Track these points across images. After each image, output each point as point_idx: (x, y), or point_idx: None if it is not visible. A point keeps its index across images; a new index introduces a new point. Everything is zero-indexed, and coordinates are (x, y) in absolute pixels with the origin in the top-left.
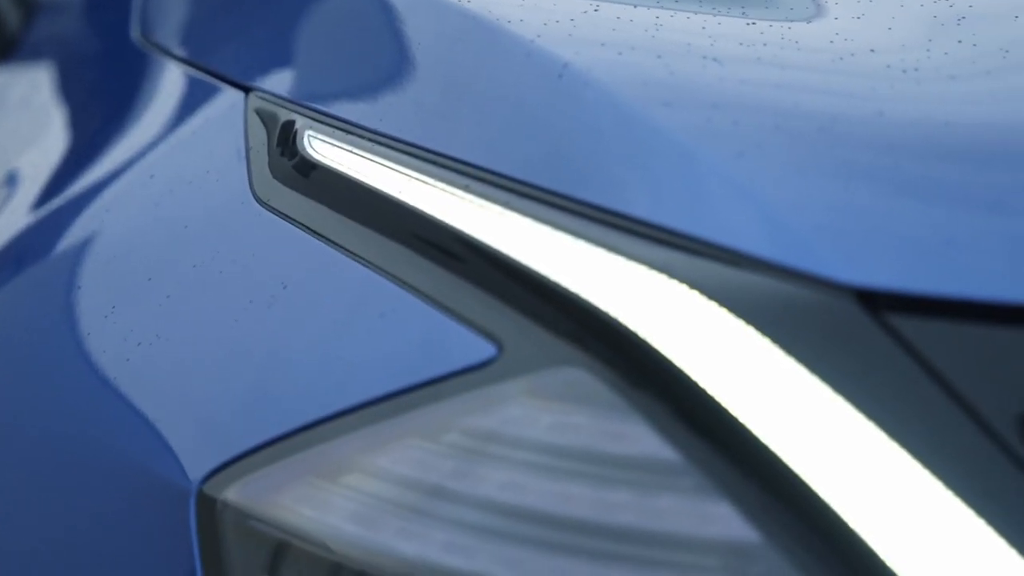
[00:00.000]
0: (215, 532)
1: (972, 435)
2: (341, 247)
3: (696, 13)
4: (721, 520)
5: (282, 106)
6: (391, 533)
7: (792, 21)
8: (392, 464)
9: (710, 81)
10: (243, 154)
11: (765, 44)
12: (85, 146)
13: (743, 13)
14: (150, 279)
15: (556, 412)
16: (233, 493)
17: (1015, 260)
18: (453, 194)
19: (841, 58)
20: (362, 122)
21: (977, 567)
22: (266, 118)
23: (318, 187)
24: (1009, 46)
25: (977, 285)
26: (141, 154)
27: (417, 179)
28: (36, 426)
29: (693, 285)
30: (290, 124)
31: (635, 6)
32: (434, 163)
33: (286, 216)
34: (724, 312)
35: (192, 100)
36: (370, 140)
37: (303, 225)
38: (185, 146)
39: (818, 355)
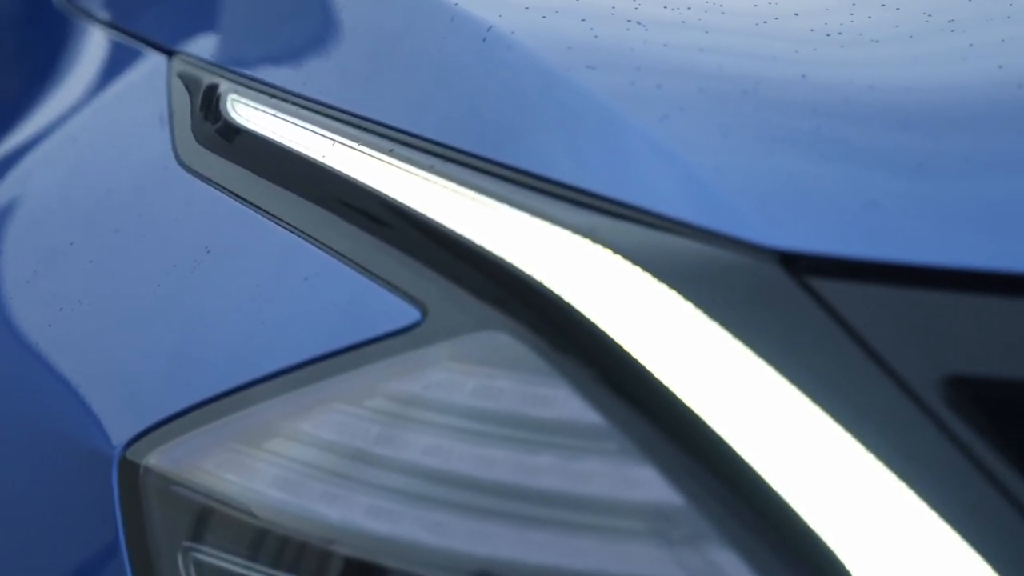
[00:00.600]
0: (138, 498)
1: (894, 398)
2: (265, 211)
3: None
4: (645, 483)
5: (206, 70)
6: (315, 498)
7: None
8: (316, 429)
9: (634, 44)
10: (166, 118)
11: (689, 8)
12: (6, 110)
13: None
14: (72, 244)
15: (480, 376)
16: (156, 459)
17: (937, 223)
18: (377, 158)
19: (765, 21)
20: (286, 86)
21: (897, 527)
22: (189, 82)
23: (242, 151)
24: (931, 10)
25: (900, 248)
26: (63, 118)
27: (341, 143)
28: None
29: (617, 249)
30: (213, 88)
31: None
32: (358, 127)
33: (210, 180)
34: (648, 276)
35: (115, 64)
36: (294, 104)
37: (227, 189)
38: (108, 110)
39: (741, 319)
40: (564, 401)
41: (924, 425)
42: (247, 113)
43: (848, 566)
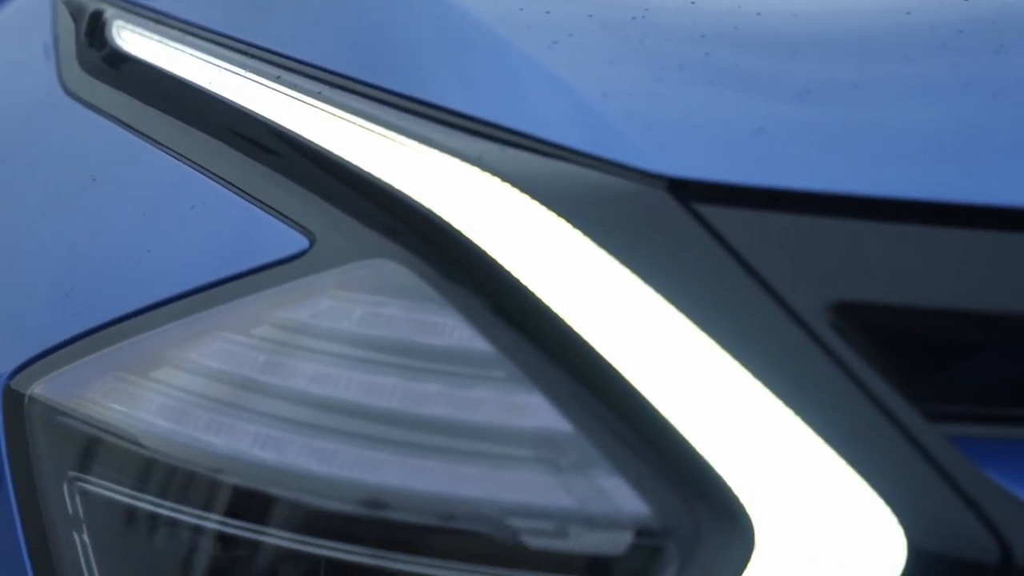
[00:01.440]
0: (22, 428)
1: (781, 324)
2: (151, 139)
3: None
4: (533, 411)
5: None
6: (202, 427)
7: None
8: (203, 358)
9: None
10: (51, 46)
11: None
12: None
13: None
14: None
15: (368, 304)
16: (41, 388)
17: (823, 150)
18: (264, 85)
19: None
20: (172, 12)
21: (783, 452)
22: (74, 8)
23: (128, 78)
24: None
25: (787, 175)
26: None
27: (228, 70)
28: None
29: (505, 176)
30: (99, 14)
31: None
32: (245, 54)
33: (95, 108)
34: (536, 203)
35: None
36: (180, 31)
37: (113, 117)
38: None
39: (629, 245)
40: (453, 329)
41: (810, 350)
42: (133, 40)
43: (735, 490)
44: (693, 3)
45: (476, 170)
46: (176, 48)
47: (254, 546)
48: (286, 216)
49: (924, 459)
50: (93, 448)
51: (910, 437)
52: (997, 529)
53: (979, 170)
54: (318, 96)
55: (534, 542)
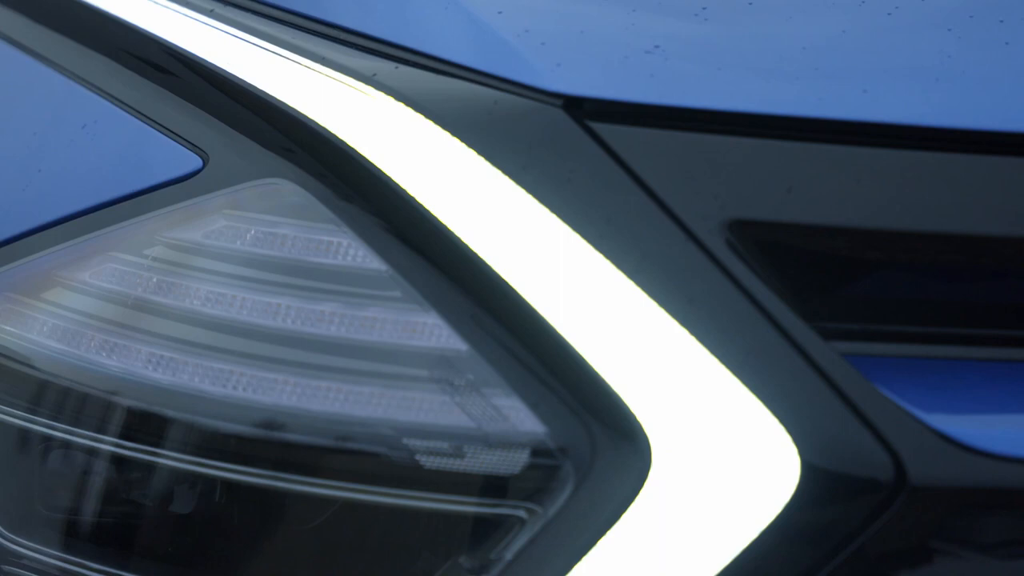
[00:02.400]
0: None
1: (675, 242)
2: (43, 58)
3: None
4: (429, 331)
5: None
6: (95, 348)
7: None
8: (94, 279)
9: None
10: None
11: None
12: None
13: None
14: None
15: (262, 224)
16: None
17: (718, 68)
18: (157, 4)
19: None
20: None
21: (678, 371)
22: None
23: None
24: None
25: (681, 93)
26: None
27: None
28: None
29: (399, 95)
30: None
31: None
32: None
33: None
34: (430, 122)
35: None
36: None
37: (3, 35)
38: None
39: (523, 164)
40: (347, 249)
41: (705, 269)
42: None
43: (632, 409)
44: None
45: (370, 88)
46: None
47: (150, 468)
48: (179, 136)
49: (818, 377)
50: None
51: (804, 355)
52: (891, 445)
53: (873, 87)
54: (211, 14)
55: (430, 462)
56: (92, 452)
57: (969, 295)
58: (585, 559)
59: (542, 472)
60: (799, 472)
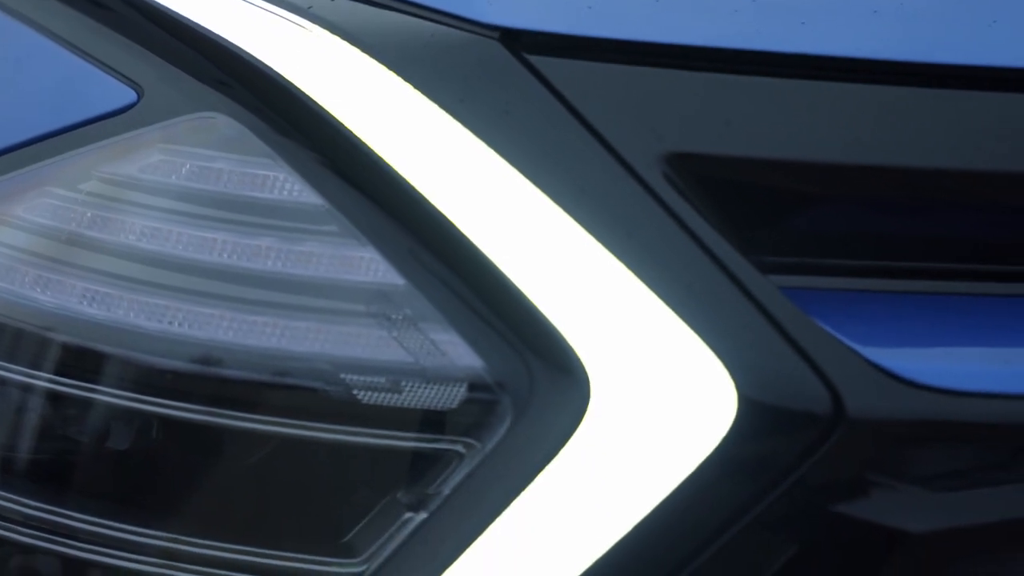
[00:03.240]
0: None
1: (613, 176)
2: None
3: None
4: (366, 265)
5: None
6: (28, 283)
7: None
8: (28, 213)
9: None
10: None
11: None
12: None
13: None
14: None
15: (197, 158)
16: None
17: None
18: None
19: None
20: None
21: (617, 306)
22: None
23: None
24: None
25: (619, 25)
26: None
27: None
28: None
29: (334, 28)
30: None
31: None
32: None
33: None
34: (366, 56)
35: None
36: None
37: None
38: None
39: (461, 98)
40: (284, 183)
41: (643, 202)
42: None
43: (571, 344)
44: None
45: (306, 21)
46: None
47: (85, 404)
48: (114, 69)
49: (756, 310)
50: None
51: (742, 288)
52: (828, 378)
53: (812, 19)
54: None
55: (368, 397)
56: (26, 388)
57: (907, 229)
58: (524, 494)
59: (480, 407)
60: (736, 406)
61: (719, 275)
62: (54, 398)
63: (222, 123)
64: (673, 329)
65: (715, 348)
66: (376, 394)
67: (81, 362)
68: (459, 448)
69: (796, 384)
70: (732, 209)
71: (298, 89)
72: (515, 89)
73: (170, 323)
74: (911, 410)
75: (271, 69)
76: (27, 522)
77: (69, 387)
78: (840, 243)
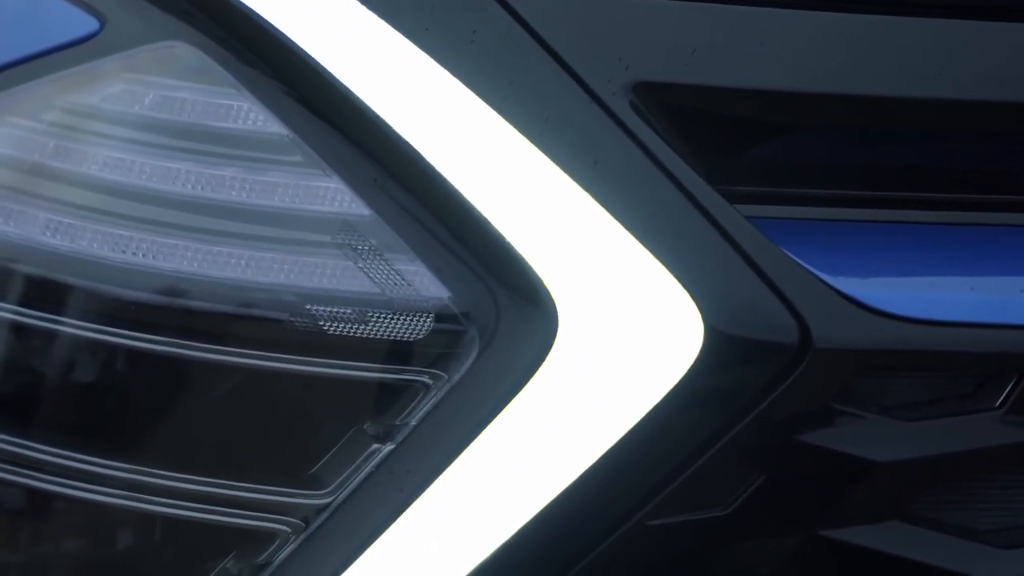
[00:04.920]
0: None
1: (579, 105)
2: None
3: None
4: (331, 196)
5: None
6: None
7: None
8: None
9: None
10: None
11: None
12: None
13: None
14: None
15: (160, 88)
16: None
17: None
18: None
19: None
20: None
21: (584, 236)
22: None
23: None
24: None
25: None
26: None
27: None
28: None
29: None
30: None
31: None
32: None
33: None
34: None
35: None
36: None
37: None
38: None
39: (424, 25)
40: (248, 113)
41: (609, 132)
42: None
43: (538, 274)
44: None
45: None
46: None
47: (51, 336)
48: None
49: (722, 240)
50: None
51: (709, 218)
52: (795, 308)
53: None
54: None
55: (333, 328)
56: None
57: (875, 158)
58: (491, 424)
59: (446, 338)
60: (703, 336)
61: (686, 205)
62: (18, 330)
63: (185, 52)
64: (639, 259)
65: (681, 278)
66: (342, 325)
67: (45, 293)
68: (426, 379)
69: (763, 314)
70: (699, 139)
71: (261, 18)
72: (480, 16)
73: (134, 254)
74: (878, 339)
75: None
76: None
77: (33, 318)
78: (808, 173)
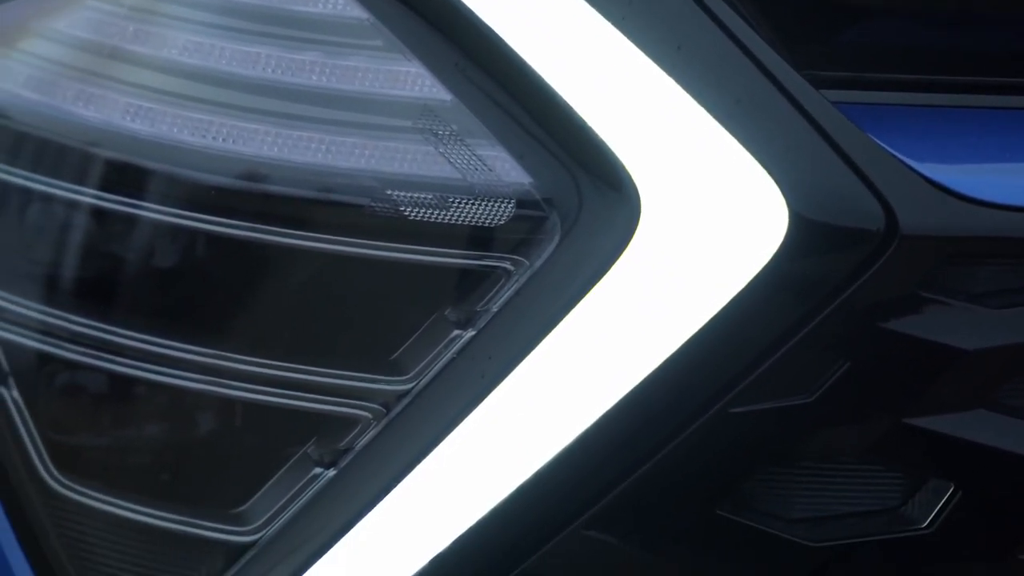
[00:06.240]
0: None
1: None
2: None
3: None
4: (412, 80)
5: None
6: (71, 98)
7: None
8: (71, 27)
9: None
10: None
11: None
12: None
13: None
14: None
15: None
16: None
17: None
18: None
19: None
20: None
21: (667, 121)
22: None
23: None
24: None
25: None
26: None
27: None
28: None
29: None
30: None
31: None
32: None
33: None
34: None
35: None
36: None
37: None
38: None
39: None
40: None
41: (693, 15)
42: None
43: (620, 159)
44: None
45: None
46: None
47: (132, 221)
48: None
49: (808, 125)
50: None
51: (795, 103)
52: (882, 194)
53: None
54: None
55: (414, 214)
56: (71, 205)
57: (962, 41)
58: (573, 311)
59: (528, 224)
60: (787, 222)
61: (771, 89)
62: (99, 215)
63: None
64: (724, 145)
65: (766, 164)
66: (423, 210)
67: (126, 178)
68: (507, 265)
69: (849, 200)
70: (785, 22)
71: None
72: None
73: (214, 138)
74: (966, 226)
75: None
76: (74, 339)
77: (114, 203)
78: (895, 57)
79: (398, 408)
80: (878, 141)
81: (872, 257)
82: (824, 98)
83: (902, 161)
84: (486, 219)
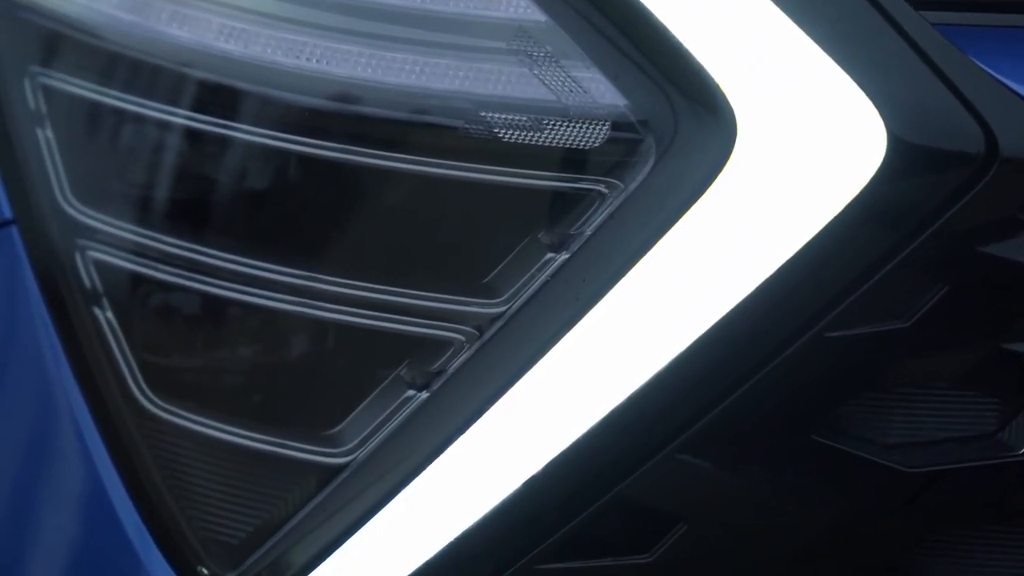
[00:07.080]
0: None
1: None
2: None
3: None
4: (507, 1)
5: None
6: (165, 19)
7: None
8: None
9: None
10: None
11: None
12: None
13: None
14: None
15: None
16: None
17: None
18: None
19: None
20: None
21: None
22: None
23: None
24: None
25: None
26: None
27: None
28: None
29: None
30: None
31: None
32: None
33: None
34: None
35: None
36: None
37: None
38: None
39: None
40: None
41: None
42: None
43: (716, 81)
44: None
45: None
46: None
47: (223, 142)
48: None
49: (907, 47)
50: (54, 43)
51: (894, 24)
52: (982, 117)
53: None
54: None
55: (508, 135)
56: (164, 126)
57: None
58: (667, 235)
59: (622, 146)
60: (886, 145)
61: (870, 10)
62: (191, 135)
63: None
64: (821, 67)
65: (864, 87)
66: (516, 132)
67: (218, 99)
68: (601, 188)
69: (949, 123)
70: None
71: None
72: None
73: (308, 59)
74: None
75: None
76: (167, 259)
77: (206, 124)
78: None
79: (491, 331)
80: (978, 63)
81: (972, 180)
82: (923, 19)
83: (1002, 83)
84: (580, 141)
